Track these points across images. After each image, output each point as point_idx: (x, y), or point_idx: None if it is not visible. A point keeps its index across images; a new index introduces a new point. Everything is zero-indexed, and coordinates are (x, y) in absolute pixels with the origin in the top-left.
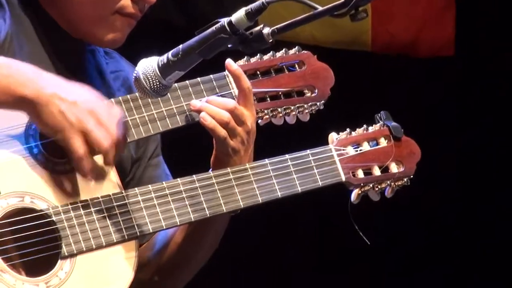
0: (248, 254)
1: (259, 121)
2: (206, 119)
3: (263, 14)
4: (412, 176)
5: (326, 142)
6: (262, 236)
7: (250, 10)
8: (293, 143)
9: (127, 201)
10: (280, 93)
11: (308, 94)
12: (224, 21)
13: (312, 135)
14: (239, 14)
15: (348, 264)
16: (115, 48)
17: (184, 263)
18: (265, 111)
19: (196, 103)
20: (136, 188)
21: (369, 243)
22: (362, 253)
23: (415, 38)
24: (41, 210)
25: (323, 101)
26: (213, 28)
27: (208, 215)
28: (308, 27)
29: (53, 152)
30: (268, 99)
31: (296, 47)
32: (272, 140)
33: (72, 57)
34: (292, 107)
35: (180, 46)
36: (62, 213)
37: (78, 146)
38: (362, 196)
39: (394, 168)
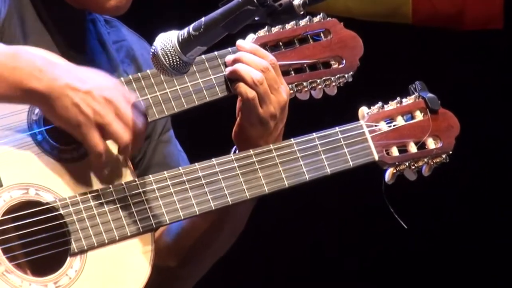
0: (271, 235)
1: None
2: (232, 74)
3: None
4: (451, 152)
5: (356, 118)
6: (287, 217)
7: None
8: (320, 119)
9: (141, 190)
10: (305, 65)
11: (335, 66)
12: None
13: (341, 110)
14: None
15: (376, 245)
16: (129, 21)
17: (205, 249)
18: (289, 86)
19: (231, 57)
20: (150, 176)
21: (406, 227)
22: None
23: (460, 9)
24: (47, 203)
25: (351, 73)
26: None
27: (230, 203)
28: None
29: (58, 138)
30: (292, 72)
31: (321, 14)
32: (297, 117)
33: (73, 29)
34: (318, 81)
35: (203, 19)
36: (70, 206)
37: (96, 142)
38: (397, 176)
39: (431, 144)
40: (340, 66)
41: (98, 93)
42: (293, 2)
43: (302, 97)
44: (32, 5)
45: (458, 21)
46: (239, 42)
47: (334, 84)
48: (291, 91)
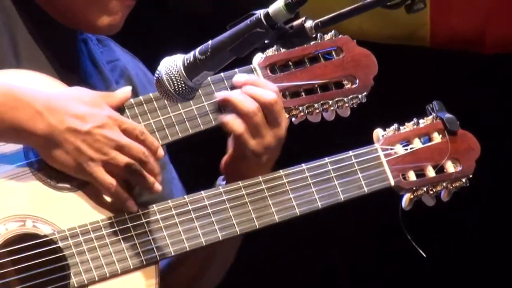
0: (280, 263)
1: (293, 119)
2: (224, 102)
3: (305, 4)
4: (471, 176)
5: (370, 140)
6: (299, 245)
7: (290, 0)
8: (332, 143)
9: (144, 220)
10: (316, 86)
11: (348, 86)
12: (260, 13)
13: (354, 133)
14: (278, 5)
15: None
16: (133, 45)
17: (196, 281)
18: (300, 108)
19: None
20: (154, 205)
21: (424, 255)
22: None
23: (480, 32)
24: (45, 236)
25: (365, 93)
26: (247, 21)
27: (238, 233)
28: (357, 20)
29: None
30: (303, 93)
31: (332, 31)
32: (307, 140)
33: (65, 49)
34: (330, 102)
35: (209, 42)
36: (69, 238)
37: (106, 180)
38: (414, 201)
39: (450, 167)
40: (353, 86)
41: (98, 131)
42: (304, 25)
43: (314, 119)
44: (24, 25)
45: (479, 44)
46: (236, 77)
47: (347, 105)
48: (302, 113)
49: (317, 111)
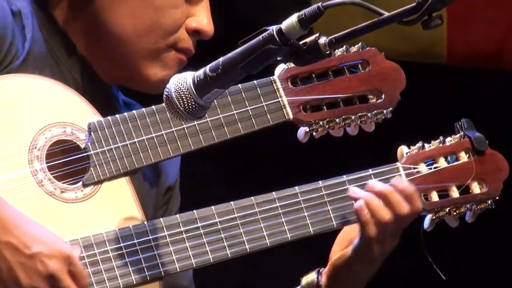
0: None
1: (314, 133)
2: (362, 211)
3: (318, 20)
4: (497, 198)
5: (394, 158)
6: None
7: (303, 16)
8: (353, 159)
9: (150, 234)
10: (339, 99)
11: (373, 100)
12: (272, 29)
13: (377, 149)
14: (291, 21)
15: None
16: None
17: None
18: (320, 123)
19: (357, 191)
20: (161, 219)
21: (444, 278)
22: None
23: (498, 48)
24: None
25: (391, 108)
26: (260, 37)
27: (248, 251)
28: (372, 36)
29: (61, 176)
30: (325, 107)
31: (360, 43)
32: (326, 157)
33: (97, 105)
34: (353, 117)
35: (220, 59)
36: None
37: None
38: (437, 222)
39: (476, 188)
40: (379, 101)
41: (41, 260)
42: (318, 41)
43: (336, 134)
44: (70, 74)
45: (497, 61)
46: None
47: (370, 120)
48: (322, 128)
49: (338, 126)
